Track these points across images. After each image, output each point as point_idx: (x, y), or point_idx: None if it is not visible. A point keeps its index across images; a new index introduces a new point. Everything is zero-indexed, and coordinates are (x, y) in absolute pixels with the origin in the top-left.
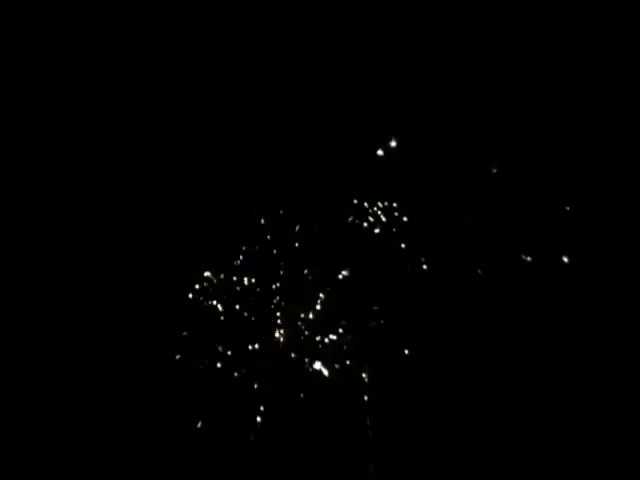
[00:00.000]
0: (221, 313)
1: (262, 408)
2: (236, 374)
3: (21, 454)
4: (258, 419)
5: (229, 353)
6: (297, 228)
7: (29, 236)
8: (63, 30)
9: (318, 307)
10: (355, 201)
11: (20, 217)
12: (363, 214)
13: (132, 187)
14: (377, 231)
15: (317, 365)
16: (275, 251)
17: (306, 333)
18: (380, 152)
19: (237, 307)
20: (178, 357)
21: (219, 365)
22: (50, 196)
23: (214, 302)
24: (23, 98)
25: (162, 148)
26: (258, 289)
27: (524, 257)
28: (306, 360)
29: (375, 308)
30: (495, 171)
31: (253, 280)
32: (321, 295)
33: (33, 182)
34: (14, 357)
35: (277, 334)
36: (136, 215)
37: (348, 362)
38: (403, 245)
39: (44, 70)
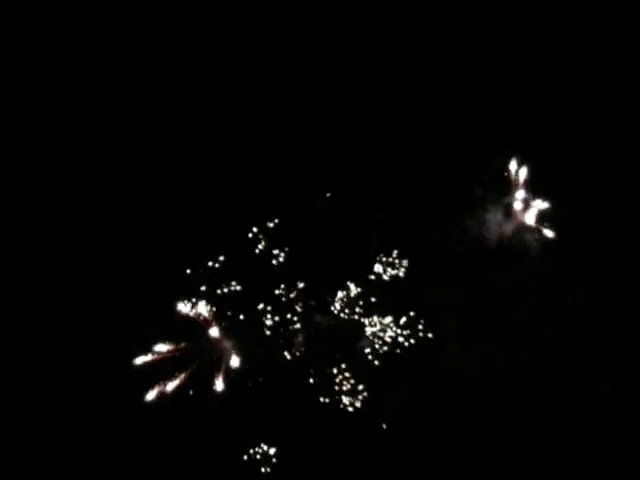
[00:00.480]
0: (233, 317)
1: (275, 411)
2: (250, 383)
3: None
4: (273, 422)
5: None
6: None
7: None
8: (64, 30)
9: (334, 309)
10: (373, 209)
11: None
12: (376, 221)
13: (134, 186)
14: (387, 235)
15: (333, 369)
16: (289, 256)
17: (323, 336)
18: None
19: (245, 311)
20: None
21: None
22: (47, 195)
23: (228, 307)
24: (23, 98)
25: (165, 149)
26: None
27: (536, 259)
28: (322, 363)
29: (392, 308)
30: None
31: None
32: (337, 296)
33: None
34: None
35: (293, 338)
36: (144, 216)
37: (365, 364)
38: (412, 246)
39: (44, 70)
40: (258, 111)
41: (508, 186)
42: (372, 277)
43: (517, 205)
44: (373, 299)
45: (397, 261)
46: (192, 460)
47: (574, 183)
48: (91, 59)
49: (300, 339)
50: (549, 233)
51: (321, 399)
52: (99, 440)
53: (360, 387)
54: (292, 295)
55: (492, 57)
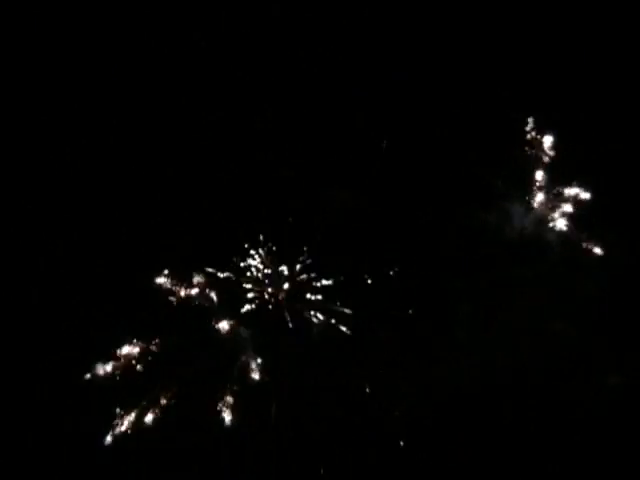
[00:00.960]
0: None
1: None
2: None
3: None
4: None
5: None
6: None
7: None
8: (64, 30)
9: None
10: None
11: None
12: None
13: (140, 183)
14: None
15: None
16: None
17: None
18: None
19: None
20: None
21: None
22: (45, 196)
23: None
24: (23, 98)
25: (172, 147)
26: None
27: (545, 253)
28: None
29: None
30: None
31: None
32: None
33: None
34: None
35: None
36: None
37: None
38: (419, 239)
39: (44, 70)
40: (261, 111)
41: (526, 176)
42: (388, 270)
43: (535, 196)
44: (387, 292)
45: (411, 254)
46: None
47: (594, 170)
48: (90, 59)
49: (316, 329)
50: (564, 222)
51: (333, 395)
52: None
53: (373, 378)
54: (307, 285)
55: (512, 47)
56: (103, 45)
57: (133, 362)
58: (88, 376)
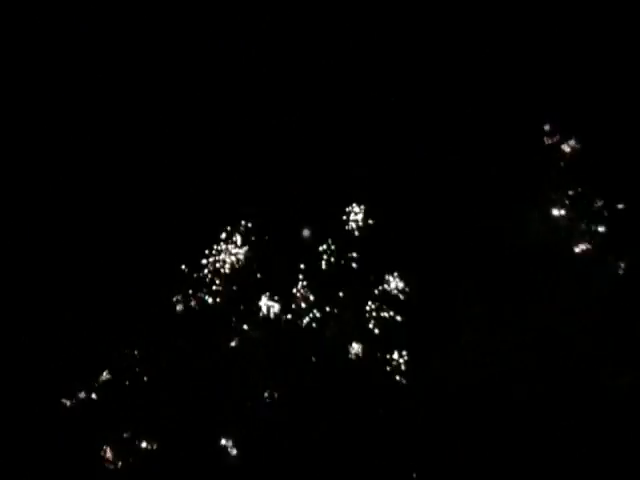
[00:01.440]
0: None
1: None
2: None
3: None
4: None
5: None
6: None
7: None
8: (64, 30)
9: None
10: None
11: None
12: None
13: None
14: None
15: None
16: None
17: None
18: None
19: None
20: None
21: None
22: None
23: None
24: (24, 98)
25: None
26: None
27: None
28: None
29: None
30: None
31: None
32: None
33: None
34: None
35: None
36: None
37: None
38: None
39: (44, 70)
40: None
41: (544, 180)
42: (396, 271)
43: (552, 200)
44: (395, 293)
45: (422, 255)
46: None
47: (615, 178)
48: (90, 59)
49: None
50: (579, 228)
51: (340, 398)
52: None
53: (381, 380)
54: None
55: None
56: (103, 44)
57: (134, 368)
58: (88, 382)
